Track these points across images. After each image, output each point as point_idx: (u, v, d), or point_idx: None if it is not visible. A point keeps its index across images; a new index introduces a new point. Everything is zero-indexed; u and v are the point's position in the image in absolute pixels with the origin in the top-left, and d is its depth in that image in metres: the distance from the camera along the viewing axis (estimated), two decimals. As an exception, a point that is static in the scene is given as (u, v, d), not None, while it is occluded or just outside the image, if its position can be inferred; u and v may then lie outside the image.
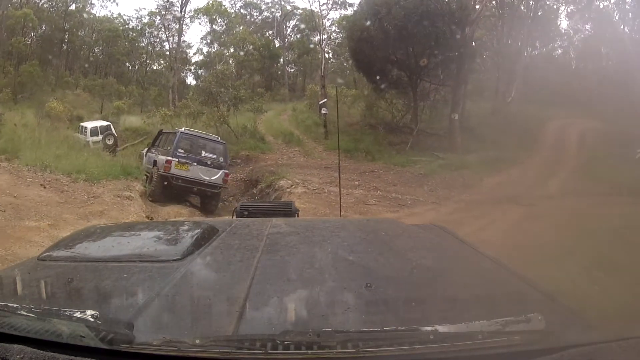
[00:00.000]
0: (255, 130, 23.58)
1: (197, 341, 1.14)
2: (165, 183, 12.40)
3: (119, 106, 28.86)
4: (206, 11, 36.38)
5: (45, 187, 11.07)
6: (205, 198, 13.36)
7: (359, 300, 1.44)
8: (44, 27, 34.17)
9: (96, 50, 37.81)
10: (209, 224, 2.35)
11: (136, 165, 15.04)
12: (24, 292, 1.51)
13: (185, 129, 13.72)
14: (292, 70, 40.47)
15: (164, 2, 34.99)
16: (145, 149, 15.40)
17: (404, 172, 17.74)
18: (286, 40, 39.30)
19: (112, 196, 11.31)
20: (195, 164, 12.58)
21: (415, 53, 21.59)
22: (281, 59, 39.06)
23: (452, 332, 1.17)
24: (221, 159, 13.16)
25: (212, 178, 12.75)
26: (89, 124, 21.78)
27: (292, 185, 14.26)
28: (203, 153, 12.85)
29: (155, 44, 37.33)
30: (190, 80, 38.56)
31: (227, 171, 13.30)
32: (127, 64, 38.20)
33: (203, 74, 35.63)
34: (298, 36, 39.42)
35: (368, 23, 21.50)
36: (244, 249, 2.00)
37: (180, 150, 12.52)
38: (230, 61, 35.85)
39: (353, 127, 24.13)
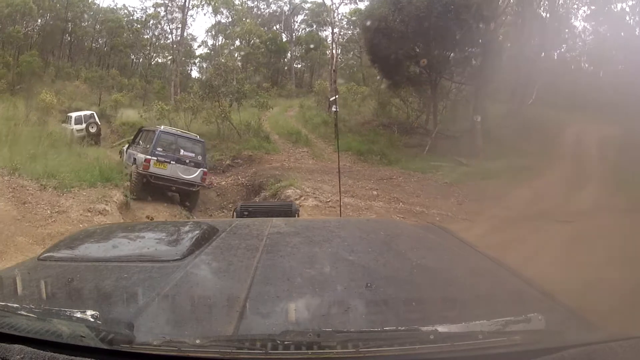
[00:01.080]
0: (260, 127, 21.95)
1: (198, 341, 1.14)
2: (144, 181, 12.52)
3: (117, 99, 28.18)
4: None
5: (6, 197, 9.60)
6: (183, 196, 13.51)
7: (359, 300, 1.44)
8: (47, 17, 33.66)
9: (100, 42, 37.41)
10: (209, 224, 2.35)
11: (119, 167, 13.72)
12: (24, 292, 1.51)
13: (164, 128, 13.80)
14: (299, 66, 39.96)
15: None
16: (126, 146, 15.34)
17: (426, 180, 15.99)
18: (294, 35, 38.69)
19: (81, 210, 9.69)
20: (174, 162, 12.73)
21: (437, 48, 19.86)
22: (288, 54, 38.42)
23: (452, 332, 1.18)
24: (199, 158, 13.28)
25: (191, 176, 12.94)
26: (74, 114, 22.16)
27: (301, 196, 12.65)
28: (182, 152, 13.03)
29: (160, 36, 36.98)
30: (195, 73, 38.16)
31: (205, 169, 13.41)
32: (132, 55, 37.82)
33: (207, 67, 34.96)
34: (306, 31, 38.87)
35: (386, 13, 19.67)
36: (244, 249, 2.01)
37: (159, 149, 12.65)
38: (236, 54, 35.23)
39: (365, 127, 22.74)
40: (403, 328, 1.24)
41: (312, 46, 36.71)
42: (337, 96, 21.31)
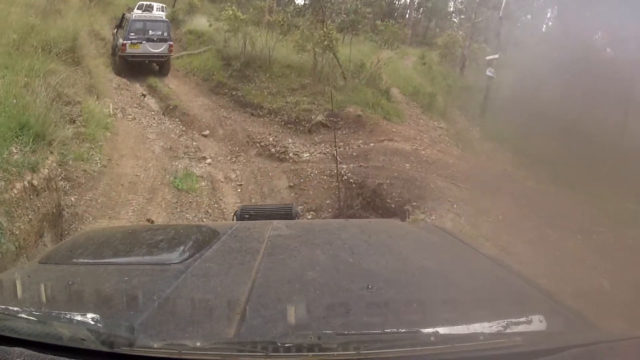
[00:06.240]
0: (377, 74, 15.19)
1: (199, 344, 1.14)
2: (125, 60, 15.79)
3: (192, 2, 22.76)
4: None
5: None
6: (158, 65, 16.67)
7: (360, 302, 1.44)
8: None
9: None
10: (209, 228, 2.35)
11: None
12: (24, 295, 1.51)
13: (135, 15, 16.48)
14: (416, 15, 31.30)
15: None
16: (115, 30, 17.63)
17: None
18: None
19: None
20: (145, 42, 15.82)
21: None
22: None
23: (453, 334, 1.19)
24: (165, 34, 16.24)
25: (159, 50, 16.11)
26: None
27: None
28: (150, 32, 16.00)
29: None
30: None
31: (171, 43, 16.33)
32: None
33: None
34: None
35: None
36: (245, 252, 2.00)
37: (132, 34, 15.69)
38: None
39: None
40: (404, 330, 1.25)
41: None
42: (497, 56, 15.45)
